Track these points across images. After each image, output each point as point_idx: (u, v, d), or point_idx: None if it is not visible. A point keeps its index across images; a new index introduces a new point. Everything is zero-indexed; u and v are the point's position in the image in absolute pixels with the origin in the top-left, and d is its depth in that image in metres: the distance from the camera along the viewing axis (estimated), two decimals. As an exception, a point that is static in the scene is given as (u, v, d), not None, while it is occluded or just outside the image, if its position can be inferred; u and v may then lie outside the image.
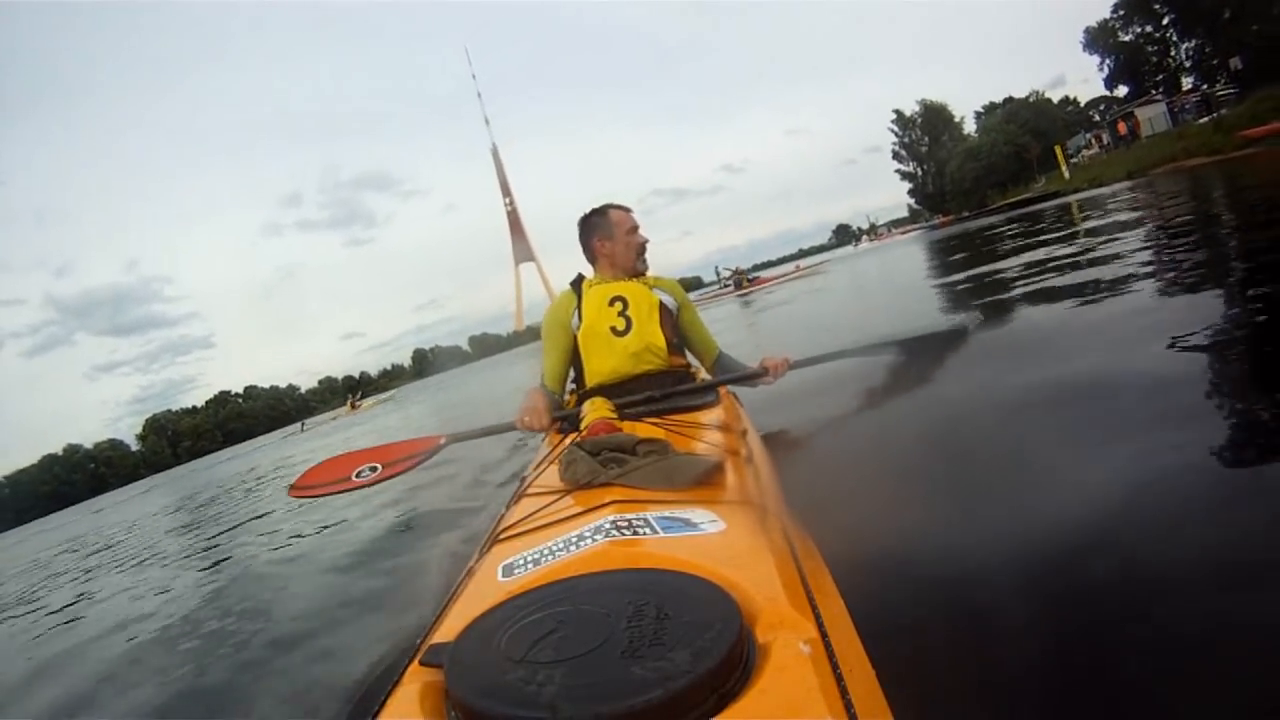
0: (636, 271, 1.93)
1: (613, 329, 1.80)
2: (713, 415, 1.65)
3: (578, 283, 1.94)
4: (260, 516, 3.28)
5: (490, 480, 2.78)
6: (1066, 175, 24.62)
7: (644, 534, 0.82)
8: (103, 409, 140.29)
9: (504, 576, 0.81)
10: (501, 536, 1.01)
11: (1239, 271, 2.83)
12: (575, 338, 1.85)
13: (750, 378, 1.92)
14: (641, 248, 1.95)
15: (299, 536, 2.59)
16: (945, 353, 2.18)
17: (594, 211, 1.95)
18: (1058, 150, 27.20)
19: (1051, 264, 4.72)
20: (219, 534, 3.29)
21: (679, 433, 1.43)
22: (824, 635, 0.61)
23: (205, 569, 2.46)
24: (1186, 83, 26.67)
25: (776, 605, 0.66)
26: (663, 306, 1.86)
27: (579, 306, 1.87)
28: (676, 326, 1.92)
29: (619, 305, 1.82)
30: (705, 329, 2.02)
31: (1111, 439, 1.62)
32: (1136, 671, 1.03)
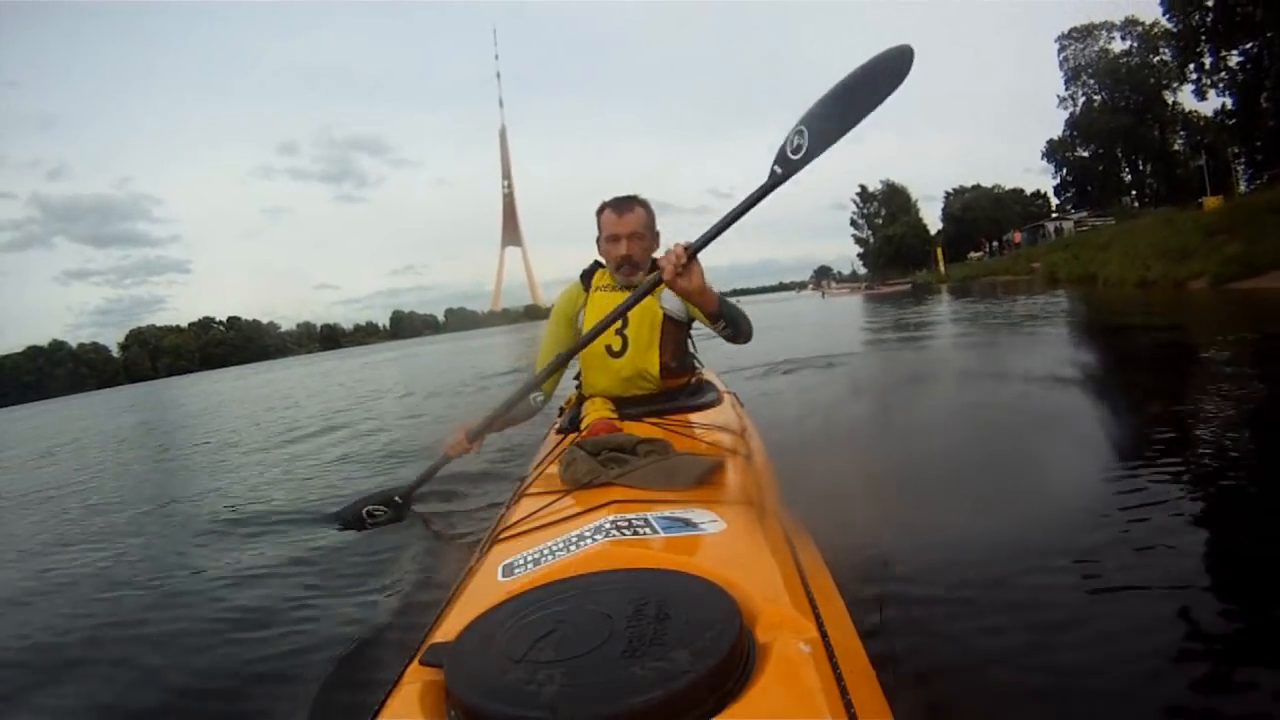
0: (627, 284, 1.74)
1: (608, 348, 1.72)
2: (713, 415, 1.65)
3: (588, 275, 1.83)
4: (252, 496, 3.26)
5: (490, 480, 2.77)
6: (942, 271, 34.24)
7: (644, 534, 0.82)
8: (66, 314, 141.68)
9: (504, 576, 0.81)
10: (501, 536, 1.01)
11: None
12: (578, 336, 1.79)
13: (652, 286, 1.52)
14: (620, 261, 1.72)
15: (296, 533, 2.58)
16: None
17: (601, 204, 1.77)
18: (938, 251, 37.30)
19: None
20: (208, 516, 3.28)
21: (679, 433, 1.43)
22: (824, 635, 0.61)
23: (195, 562, 2.45)
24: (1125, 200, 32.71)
25: (776, 605, 0.66)
26: (667, 319, 1.74)
27: (584, 305, 1.79)
28: (685, 337, 1.81)
29: (618, 322, 1.71)
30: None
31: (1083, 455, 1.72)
32: (1131, 672, 1.04)
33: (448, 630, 0.71)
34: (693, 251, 1.38)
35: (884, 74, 1.34)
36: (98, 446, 7.60)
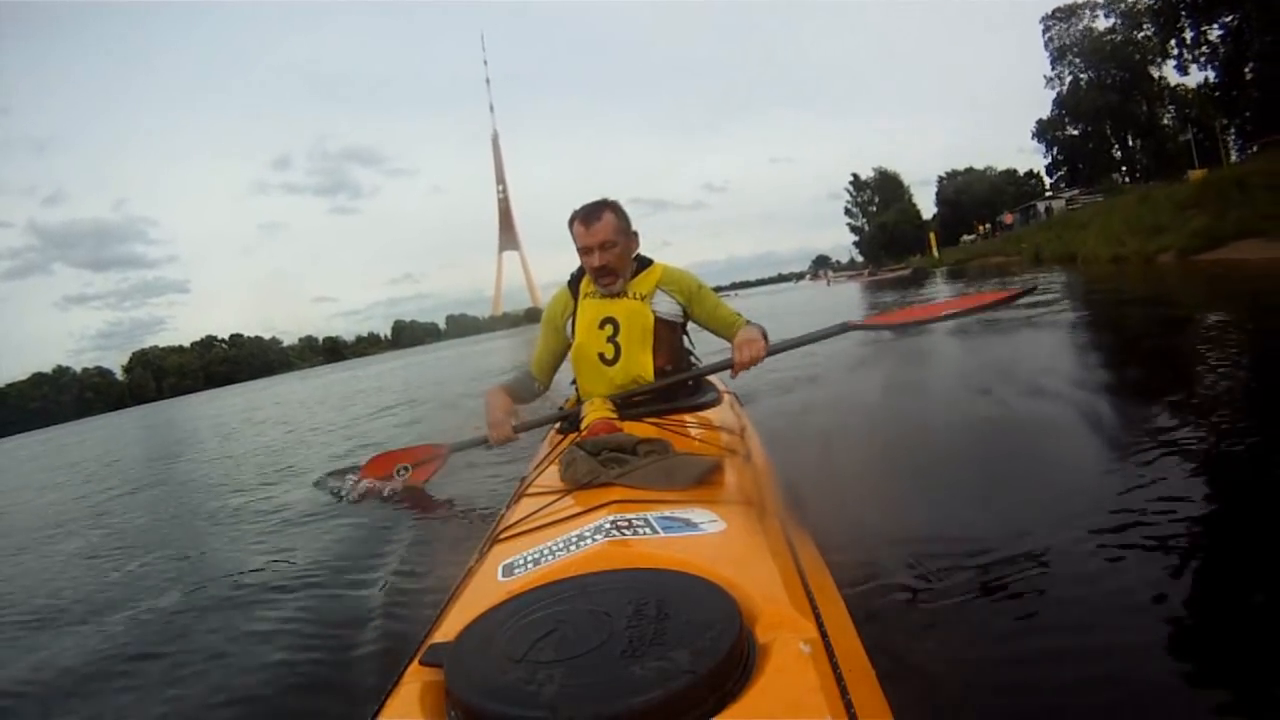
0: (609, 293, 1.73)
1: (600, 355, 1.71)
2: (713, 415, 1.65)
3: (575, 283, 1.81)
4: (252, 508, 3.27)
5: (490, 479, 2.78)
6: (936, 255, 34.29)
7: (644, 534, 0.82)
8: (68, 340, 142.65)
9: (504, 576, 0.81)
10: (501, 536, 1.01)
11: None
12: (568, 343, 1.81)
13: (716, 369, 1.75)
14: (597, 272, 1.70)
15: (293, 533, 2.58)
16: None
17: (571, 215, 1.74)
18: (932, 236, 37.58)
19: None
20: (207, 514, 3.29)
21: (679, 433, 1.43)
22: (824, 635, 0.61)
23: (190, 559, 2.45)
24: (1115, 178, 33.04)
25: (776, 605, 0.66)
26: (659, 324, 1.72)
27: (574, 313, 1.78)
28: (680, 338, 1.80)
29: (609, 329, 1.71)
30: (726, 311, 1.81)
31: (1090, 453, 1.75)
32: (1131, 671, 1.04)
33: (448, 630, 0.71)
34: (769, 354, 1.66)
35: None
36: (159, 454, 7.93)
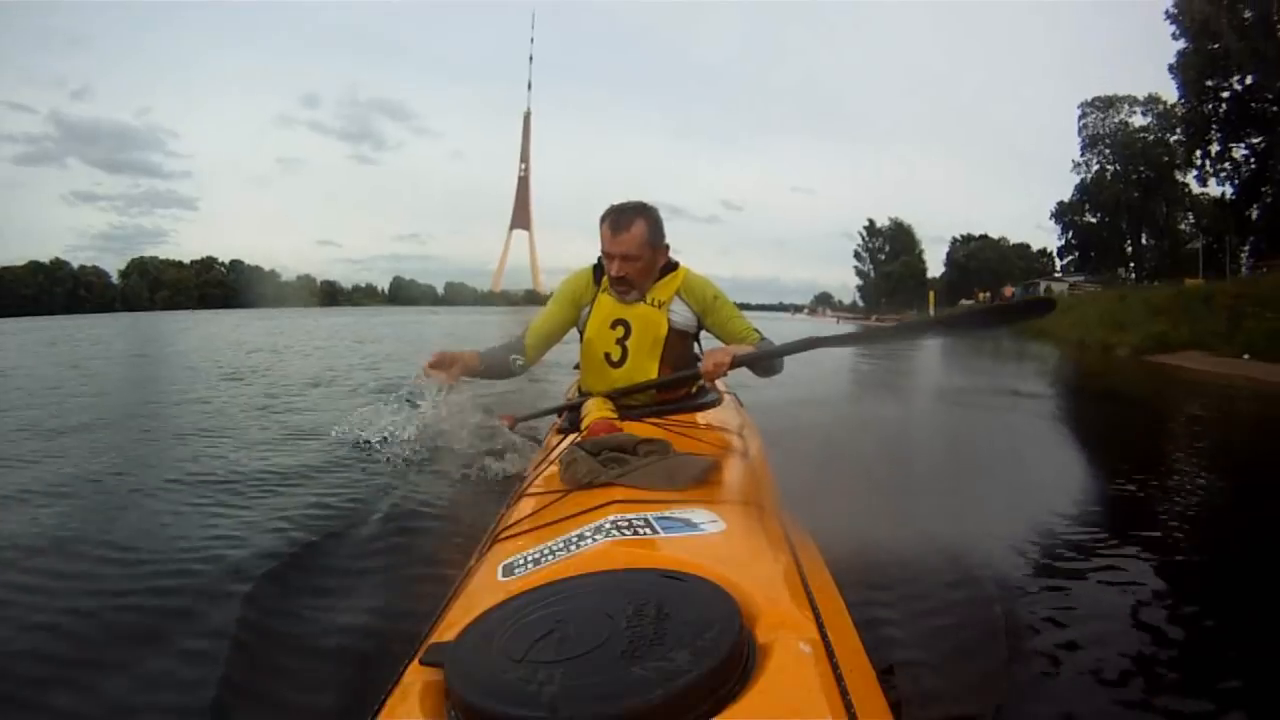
0: (623, 300, 1.70)
1: (607, 356, 1.70)
2: (714, 415, 1.65)
3: (599, 271, 1.75)
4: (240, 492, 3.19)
5: (490, 478, 2.76)
6: (931, 315, 36.50)
7: (644, 534, 0.82)
8: (69, 235, 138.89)
9: (504, 576, 0.81)
10: (501, 536, 1.01)
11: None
12: (576, 323, 1.79)
13: (685, 378, 1.71)
14: (615, 280, 1.67)
15: (290, 529, 2.54)
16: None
17: (604, 212, 1.68)
18: (931, 295, 40.29)
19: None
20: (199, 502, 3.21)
21: (680, 433, 1.43)
22: (824, 635, 0.61)
23: (193, 556, 2.40)
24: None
25: (776, 605, 0.66)
26: (672, 332, 1.70)
27: (592, 303, 1.74)
28: (690, 347, 1.77)
29: (620, 331, 1.69)
30: (740, 322, 1.77)
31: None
32: (1130, 671, 1.05)
33: (448, 630, 0.71)
34: (736, 364, 1.56)
35: None
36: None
